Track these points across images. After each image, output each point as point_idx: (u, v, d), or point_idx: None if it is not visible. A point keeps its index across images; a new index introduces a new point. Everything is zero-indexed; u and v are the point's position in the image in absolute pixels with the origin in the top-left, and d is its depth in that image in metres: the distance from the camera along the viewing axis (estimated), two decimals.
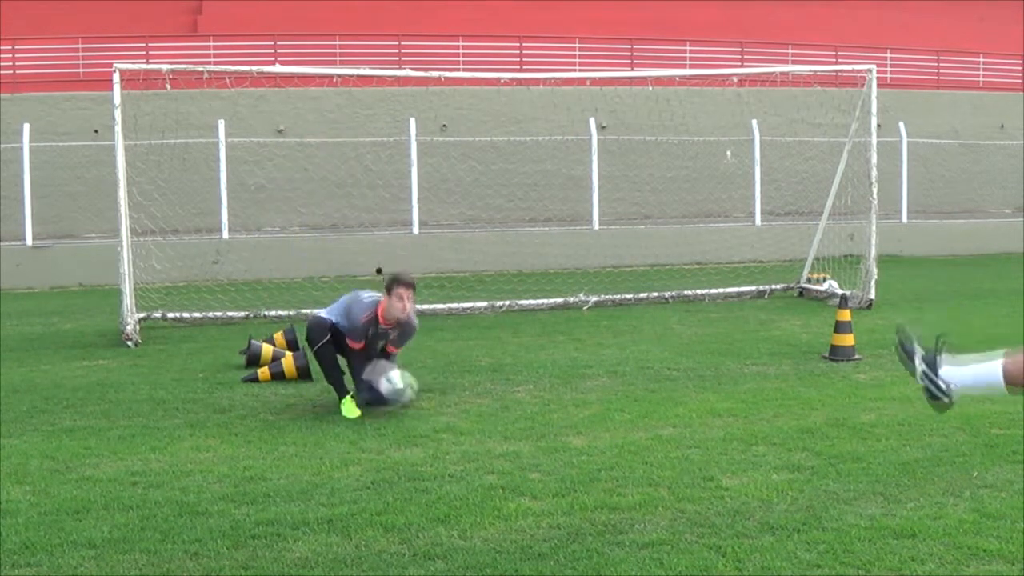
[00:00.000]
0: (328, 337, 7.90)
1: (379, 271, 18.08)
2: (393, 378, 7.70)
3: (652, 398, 8.20)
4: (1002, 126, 25.06)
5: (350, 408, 7.78)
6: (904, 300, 13.92)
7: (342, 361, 8.02)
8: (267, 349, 9.65)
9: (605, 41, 25.02)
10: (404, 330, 8.00)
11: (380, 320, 7.83)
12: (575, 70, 22.56)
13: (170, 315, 12.39)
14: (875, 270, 13.40)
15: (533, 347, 10.60)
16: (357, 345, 7.84)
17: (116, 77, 11.34)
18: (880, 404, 7.93)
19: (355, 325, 7.79)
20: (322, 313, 8.10)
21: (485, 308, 13.27)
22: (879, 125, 14.61)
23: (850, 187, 14.39)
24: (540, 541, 5.09)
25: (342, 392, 7.92)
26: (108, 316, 12.62)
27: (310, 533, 5.21)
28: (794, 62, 24.68)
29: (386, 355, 8.01)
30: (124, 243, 11.49)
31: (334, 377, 7.98)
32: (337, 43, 23.49)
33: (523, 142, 21.14)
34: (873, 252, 13.47)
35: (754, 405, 7.92)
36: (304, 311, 12.86)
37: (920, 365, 4.01)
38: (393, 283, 7.79)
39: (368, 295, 7.99)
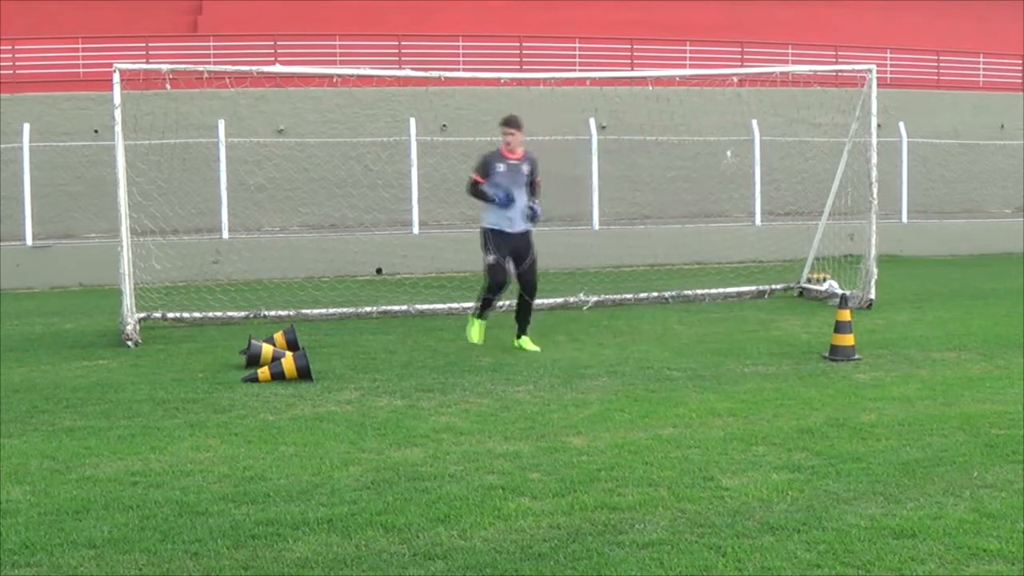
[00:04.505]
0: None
1: (379, 271, 18.10)
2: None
3: (652, 398, 8.20)
4: (1002, 126, 25.05)
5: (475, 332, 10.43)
6: (904, 300, 13.92)
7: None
8: (267, 349, 9.66)
9: (605, 41, 25.01)
10: (529, 157, 10.44)
11: (506, 154, 10.33)
12: (575, 70, 22.54)
13: (170, 315, 12.39)
14: (875, 270, 13.40)
15: None
16: (480, 177, 10.29)
17: (116, 77, 11.34)
18: (880, 404, 7.93)
19: (482, 162, 10.37)
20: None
21: None
22: (879, 125, 14.61)
23: (850, 187, 14.39)
24: (540, 541, 5.09)
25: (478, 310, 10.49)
26: (108, 316, 12.62)
27: (310, 533, 5.21)
28: (794, 62, 24.67)
29: (534, 187, 10.45)
30: (124, 243, 11.48)
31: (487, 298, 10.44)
32: (337, 43, 23.48)
33: (523, 142, 21.10)
34: (873, 252, 13.47)
35: (754, 405, 7.92)
36: (304, 311, 12.90)
37: None
38: (501, 126, 10.43)
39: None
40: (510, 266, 10.41)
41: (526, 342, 10.57)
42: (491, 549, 4.99)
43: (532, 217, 10.41)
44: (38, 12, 24.01)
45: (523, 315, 10.61)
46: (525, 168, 10.36)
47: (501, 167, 10.27)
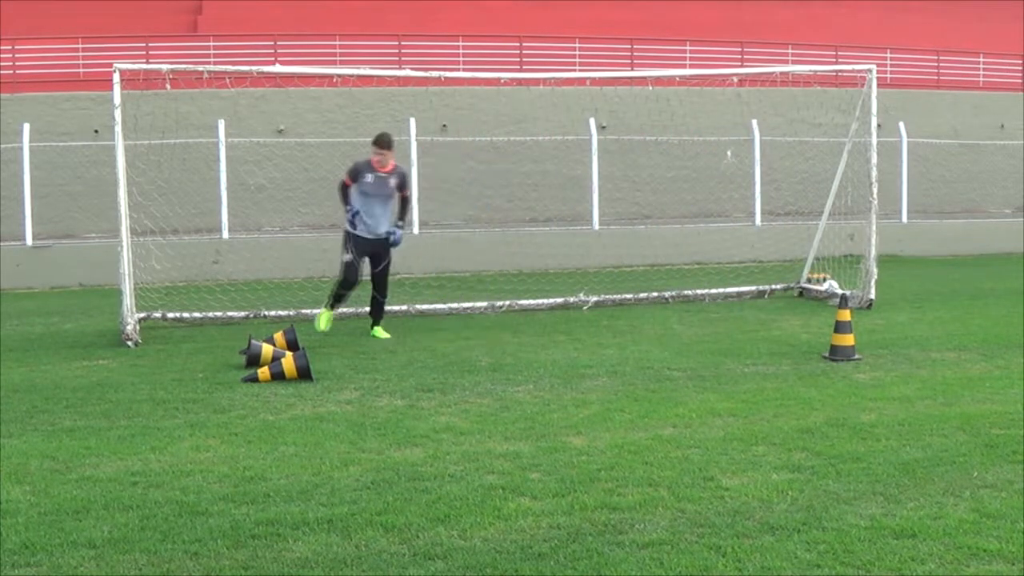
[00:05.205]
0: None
1: None
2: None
3: (652, 398, 8.20)
4: (1002, 126, 25.05)
5: (325, 320, 11.14)
6: (904, 300, 13.92)
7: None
8: (267, 349, 9.65)
9: (605, 41, 25.01)
10: (398, 171, 11.22)
11: (376, 167, 11.05)
12: (575, 70, 22.54)
13: (170, 315, 12.39)
14: (875, 270, 13.40)
15: (533, 347, 10.61)
16: (349, 181, 11.12)
17: (116, 77, 11.33)
18: (880, 404, 7.93)
19: (353, 168, 11.20)
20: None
21: (485, 308, 13.27)
22: (879, 125, 14.61)
23: (850, 187, 14.39)
24: (540, 541, 5.09)
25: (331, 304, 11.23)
26: (108, 316, 12.62)
27: (310, 533, 5.22)
28: (794, 62, 24.67)
29: (403, 203, 11.30)
30: (124, 243, 11.48)
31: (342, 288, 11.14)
32: (337, 43, 23.48)
33: (523, 142, 21.12)
34: (873, 252, 13.47)
35: (754, 405, 7.92)
36: (304, 311, 12.89)
37: None
38: (372, 144, 11.18)
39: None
40: (366, 267, 11.23)
41: (379, 331, 11.38)
42: (491, 549, 4.99)
43: (392, 243, 11.18)
44: (38, 12, 24.00)
45: (376, 311, 11.50)
46: (392, 181, 11.12)
47: (369, 177, 11.03)
